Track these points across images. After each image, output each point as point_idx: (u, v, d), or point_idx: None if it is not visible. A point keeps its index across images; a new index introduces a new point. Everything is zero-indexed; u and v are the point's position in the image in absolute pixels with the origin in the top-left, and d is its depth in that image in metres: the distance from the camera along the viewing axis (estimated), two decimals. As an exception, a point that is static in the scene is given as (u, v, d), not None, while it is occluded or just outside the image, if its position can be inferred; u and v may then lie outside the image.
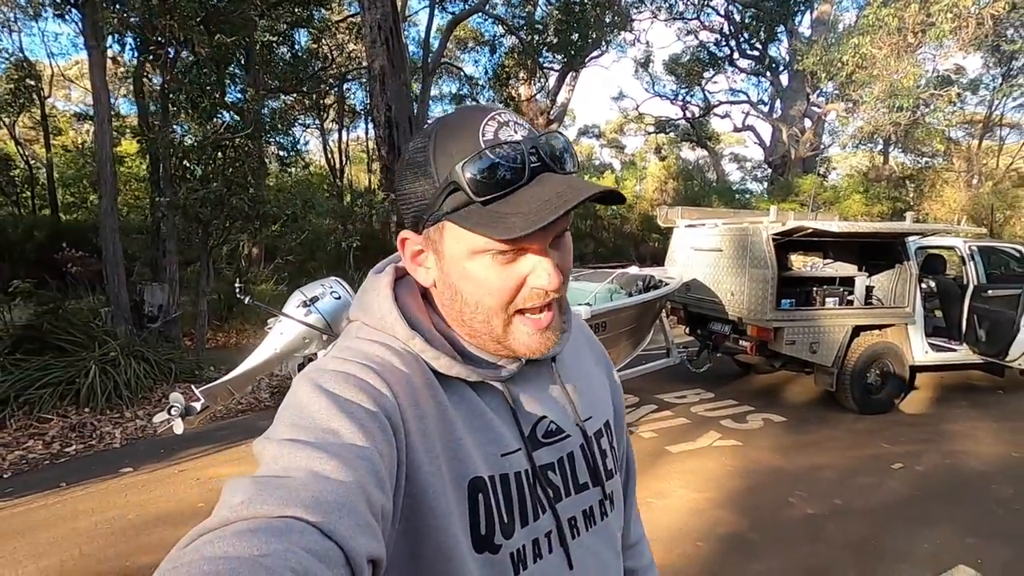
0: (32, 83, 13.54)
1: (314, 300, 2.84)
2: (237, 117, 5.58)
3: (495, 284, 0.54)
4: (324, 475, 0.41)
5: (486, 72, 17.35)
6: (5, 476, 3.60)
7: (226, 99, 6.00)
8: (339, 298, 2.90)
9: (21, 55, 13.85)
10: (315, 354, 2.90)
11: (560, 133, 0.57)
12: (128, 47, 5.38)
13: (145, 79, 5.71)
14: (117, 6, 4.63)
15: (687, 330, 6.06)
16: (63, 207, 15.45)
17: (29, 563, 2.63)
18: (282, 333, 2.86)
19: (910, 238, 5.15)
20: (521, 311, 0.56)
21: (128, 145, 16.46)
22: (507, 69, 16.57)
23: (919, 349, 5.19)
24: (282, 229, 6.18)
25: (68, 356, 4.97)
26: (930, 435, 4.52)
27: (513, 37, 15.99)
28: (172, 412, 2.61)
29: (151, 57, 4.89)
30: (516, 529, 0.56)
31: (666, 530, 3.01)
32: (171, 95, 5.07)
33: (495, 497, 0.55)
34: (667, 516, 3.17)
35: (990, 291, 5.21)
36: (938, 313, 5.80)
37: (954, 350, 5.38)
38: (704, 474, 3.73)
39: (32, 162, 15.53)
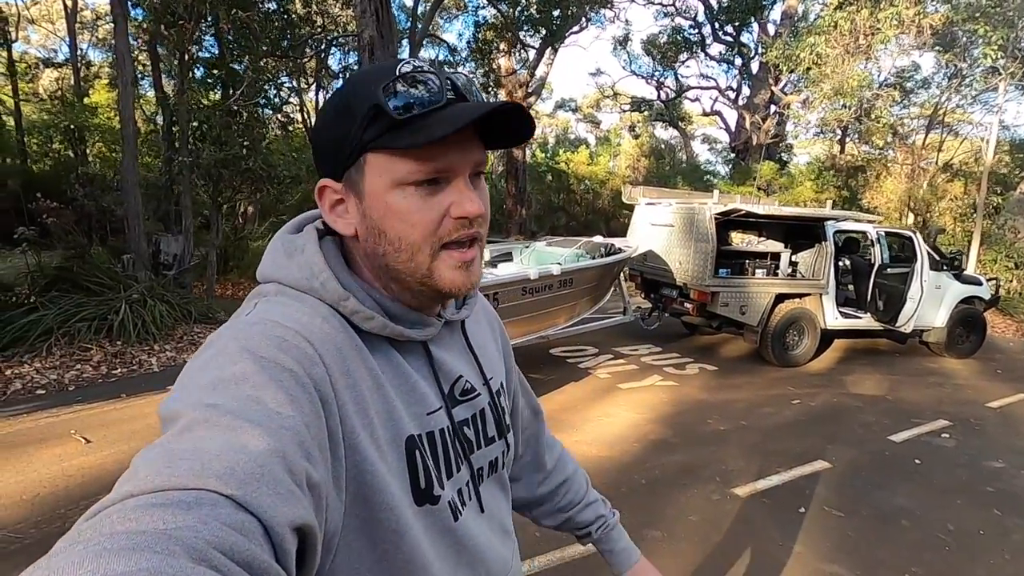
0: (-1, 24, 13.22)
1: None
2: (246, 84, 6.10)
3: (417, 216, 0.54)
4: (243, 444, 0.39)
5: (468, 44, 17.70)
6: (70, 389, 4.30)
7: (233, 67, 6.50)
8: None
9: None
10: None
11: (464, 73, 0.58)
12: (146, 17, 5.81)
13: (162, 48, 6.14)
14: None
15: (643, 294, 7.01)
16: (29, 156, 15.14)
17: (121, 444, 3.39)
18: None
19: (827, 222, 6.14)
20: (446, 245, 0.56)
21: (98, 95, 16.25)
22: (488, 42, 16.98)
23: (831, 316, 6.25)
24: (284, 189, 6.77)
25: (97, 296, 5.58)
26: (828, 383, 5.59)
27: (494, 9, 16.36)
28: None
29: (172, 29, 5.33)
30: (444, 482, 0.59)
31: (611, 436, 3.97)
32: (192, 64, 5.57)
33: (429, 453, 0.58)
34: (613, 428, 4.13)
35: (889, 269, 6.28)
36: (851, 287, 6.89)
37: (859, 318, 6.47)
38: (644, 403, 4.70)
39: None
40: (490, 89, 19.58)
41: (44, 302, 5.26)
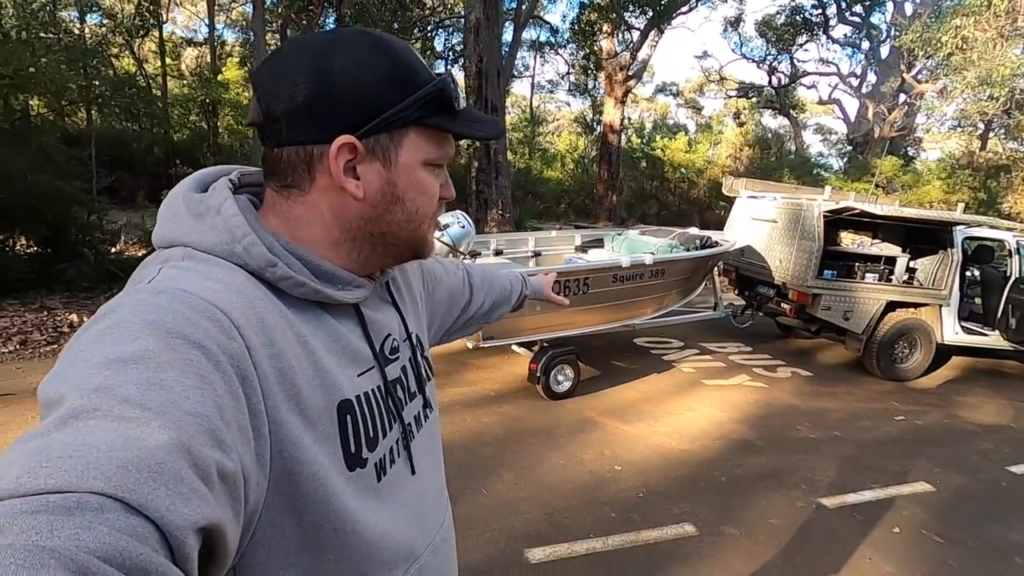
0: (152, 7, 14.72)
1: (446, 226, 3.78)
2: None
3: (434, 192, 0.62)
4: (138, 438, 0.34)
5: (571, 25, 17.48)
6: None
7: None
8: (463, 227, 3.84)
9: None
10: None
11: None
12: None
13: (290, 31, 6.65)
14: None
15: (736, 291, 6.74)
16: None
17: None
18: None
19: (958, 227, 5.56)
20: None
21: (229, 72, 17.78)
22: (591, 23, 16.67)
23: (950, 330, 5.69)
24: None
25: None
26: (939, 402, 5.14)
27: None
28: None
29: (302, 14, 5.77)
30: (379, 441, 0.59)
31: (693, 431, 3.93)
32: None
33: (360, 415, 0.57)
34: (694, 423, 4.08)
35: (1029, 284, 5.59)
36: (978, 300, 6.21)
37: (985, 335, 5.82)
38: (729, 401, 4.58)
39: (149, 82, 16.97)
40: (590, 72, 19.28)
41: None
